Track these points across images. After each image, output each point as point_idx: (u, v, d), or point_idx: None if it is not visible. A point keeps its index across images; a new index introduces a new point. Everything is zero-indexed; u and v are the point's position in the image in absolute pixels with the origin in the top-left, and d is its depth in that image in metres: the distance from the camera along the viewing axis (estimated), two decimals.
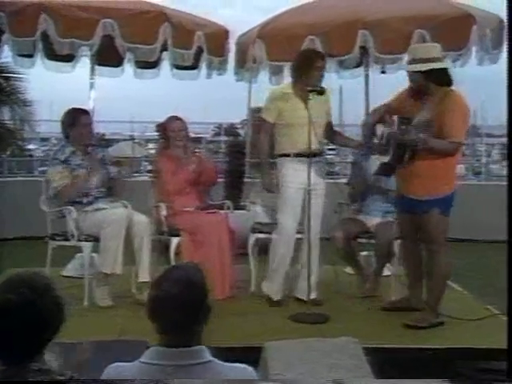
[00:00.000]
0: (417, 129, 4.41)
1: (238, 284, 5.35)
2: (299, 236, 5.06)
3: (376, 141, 4.71)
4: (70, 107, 5.40)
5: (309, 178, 4.77)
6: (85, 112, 5.39)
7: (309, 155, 4.77)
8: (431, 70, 4.40)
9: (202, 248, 5.12)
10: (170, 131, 5.41)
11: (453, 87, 4.50)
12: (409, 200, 4.64)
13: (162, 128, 5.50)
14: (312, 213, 4.84)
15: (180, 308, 2.05)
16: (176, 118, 5.52)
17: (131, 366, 2.10)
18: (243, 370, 2.15)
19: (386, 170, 4.72)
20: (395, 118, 4.50)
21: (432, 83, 4.43)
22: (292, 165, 4.93)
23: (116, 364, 2.13)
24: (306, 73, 4.86)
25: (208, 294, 2.12)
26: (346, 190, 5.63)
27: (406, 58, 5.59)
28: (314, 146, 4.79)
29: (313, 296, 4.87)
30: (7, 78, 10.18)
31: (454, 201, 4.61)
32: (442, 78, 4.46)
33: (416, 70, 4.44)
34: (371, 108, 6.38)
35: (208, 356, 2.09)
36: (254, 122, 7.71)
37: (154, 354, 2.09)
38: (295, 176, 4.91)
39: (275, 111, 4.95)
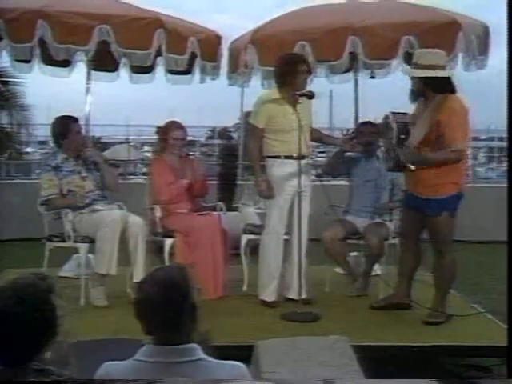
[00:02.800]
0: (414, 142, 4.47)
1: (231, 284, 5.40)
2: (286, 237, 5.14)
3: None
4: (59, 116, 5.44)
5: (299, 180, 4.85)
6: (74, 119, 5.40)
7: (298, 157, 4.89)
8: (429, 77, 4.51)
9: (195, 249, 5.19)
10: (171, 138, 5.44)
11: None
12: (415, 198, 4.74)
13: (163, 132, 5.53)
14: (301, 214, 4.92)
15: (161, 309, 2.11)
16: (178, 126, 5.53)
17: (125, 364, 2.15)
18: (234, 367, 2.20)
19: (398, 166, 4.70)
20: (395, 125, 4.51)
21: (430, 90, 4.55)
22: (281, 167, 5.01)
23: (110, 362, 2.17)
24: (292, 78, 4.94)
25: (192, 294, 2.16)
26: (335, 192, 5.75)
27: (394, 63, 5.75)
28: (303, 149, 4.90)
29: (303, 296, 4.95)
30: (5, 83, 10.23)
31: (461, 200, 4.66)
32: (440, 85, 4.54)
33: (414, 75, 4.61)
34: (360, 112, 6.53)
35: (199, 354, 2.14)
36: (246, 125, 7.80)
37: (148, 351, 2.14)
38: (284, 178, 4.98)
39: (265, 117, 5.02)
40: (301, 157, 4.90)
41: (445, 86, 4.56)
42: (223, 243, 5.31)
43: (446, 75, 4.64)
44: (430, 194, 4.62)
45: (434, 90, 4.53)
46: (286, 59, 5.07)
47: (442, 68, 4.63)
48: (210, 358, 2.16)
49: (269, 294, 5.13)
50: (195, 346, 2.15)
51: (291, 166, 4.93)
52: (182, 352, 2.12)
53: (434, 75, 4.52)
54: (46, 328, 1.93)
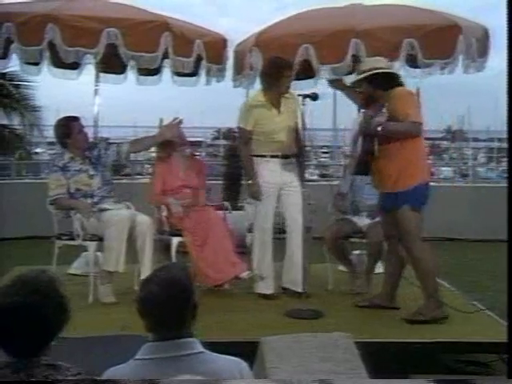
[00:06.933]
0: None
1: (235, 281, 5.47)
2: (283, 236, 5.27)
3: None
4: (60, 117, 5.55)
5: (284, 178, 5.13)
6: (75, 119, 5.48)
7: (283, 156, 5.16)
8: (376, 78, 4.69)
9: (204, 244, 5.30)
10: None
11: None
12: (382, 194, 4.85)
13: None
14: (290, 209, 5.13)
15: (164, 307, 2.15)
16: None
17: (126, 365, 2.18)
18: (234, 361, 2.24)
19: (361, 168, 4.85)
20: (361, 113, 4.74)
21: (378, 89, 4.71)
22: (267, 165, 5.21)
23: (111, 368, 2.18)
24: (277, 81, 5.14)
25: (193, 292, 2.21)
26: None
27: (396, 65, 5.81)
28: (287, 148, 5.16)
29: (301, 289, 5.02)
30: (16, 86, 10.33)
31: (424, 194, 4.70)
32: (386, 82, 4.71)
33: (360, 77, 4.80)
34: None
35: (199, 347, 2.19)
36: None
37: (147, 349, 2.19)
38: (269, 176, 5.20)
39: (252, 120, 5.20)
40: (286, 156, 5.18)
41: (389, 82, 4.71)
42: (226, 230, 5.45)
43: (387, 71, 4.78)
44: (390, 188, 4.69)
45: (380, 87, 4.70)
46: (271, 63, 5.25)
47: (384, 69, 4.79)
48: (209, 352, 2.21)
49: (266, 287, 5.27)
50: (195, 339, 2.20)
51: (276, 165, 5.19)
52: (181, 346, 2.17)
53: (376, 72, 4.70)
54: (50, 322, 1.98)
